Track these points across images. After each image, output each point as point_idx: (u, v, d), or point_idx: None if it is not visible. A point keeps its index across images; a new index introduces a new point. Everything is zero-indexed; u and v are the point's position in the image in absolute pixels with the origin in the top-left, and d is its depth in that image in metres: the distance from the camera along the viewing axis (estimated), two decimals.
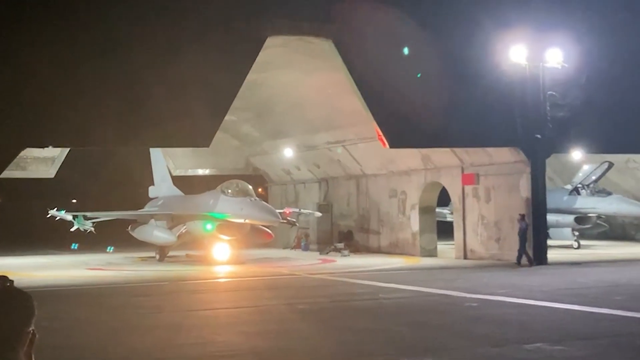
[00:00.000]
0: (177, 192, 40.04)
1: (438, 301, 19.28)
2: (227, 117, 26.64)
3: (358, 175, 39.84)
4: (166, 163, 42.24)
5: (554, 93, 28.86)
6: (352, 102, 28.56)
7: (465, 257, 32.70)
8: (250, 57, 25.38)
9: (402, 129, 27.69)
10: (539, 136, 28.93)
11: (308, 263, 32.87)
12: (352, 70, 26.84)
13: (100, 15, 24.16)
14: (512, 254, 30.02)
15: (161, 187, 40.78)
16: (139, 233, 35.57)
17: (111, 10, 24.17)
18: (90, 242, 38.91)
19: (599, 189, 39.38)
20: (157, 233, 34.23)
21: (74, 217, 35.37)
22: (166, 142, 30.22)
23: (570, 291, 20.42)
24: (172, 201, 37.96)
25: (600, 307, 17.00)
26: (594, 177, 39.19)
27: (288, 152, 41.47)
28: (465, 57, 28.26)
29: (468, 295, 19.71)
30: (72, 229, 35.88)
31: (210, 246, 33.39)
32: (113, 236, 39.22)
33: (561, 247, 38.02)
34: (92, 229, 36.22)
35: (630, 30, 30.58)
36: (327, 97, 33.03)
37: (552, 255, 30.19)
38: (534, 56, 28.46)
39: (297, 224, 37.39)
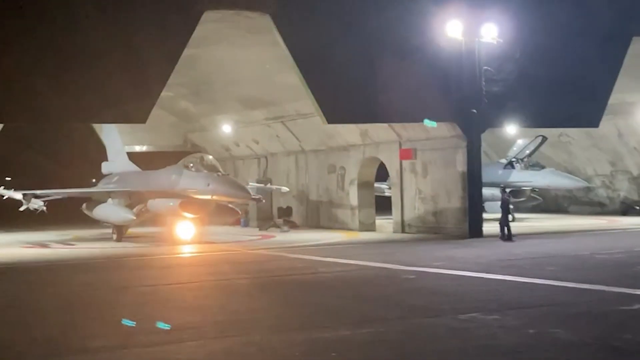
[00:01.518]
0: (134, 167, 37.66)
1: (376, 274, 19.52)
2: (163, 93, 26.34)
3: (297, 151, 39.88)
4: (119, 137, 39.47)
5: (489, 68, 29.26)
6: (291, 78, 28.51)
7: (403, 231, 33.13)
8: (187, 31, 25.10)
9: (340, 104, 27.79)
10: (474, 111, 29.34)
11: (247, 239, 32.86)
12: (290, 46, 26.76)
13: None
14: (448, 228, 30.55)
15: (116, 163, 38.40)
16: (94, 212, 33.61)
17: None
18: (38, 221, 37.83)
19: (532, 163, 40.23)
20: (114, 211, 32.37)
21: (24, 195, 33.12)
22: (102, 118, 29.77)
23: (504, 262, 20.87)
24: (129, 177, 35.72)
25: (534, 277, 17.43)
26: (527, 151, 40.01)
27: (226, 129, 41.26)
28: (402, 32, 28.41)
29: (405, 268, 20.01)
30: (21, 209, 33.75)
31: (173, 224, 31.58)
32: (65, 215, 38.12)
33: (496, 220, 38.71)
34: (44, 208, 34.05)
35: (563, 5, 31.10)
36: (266, 73, 32.90)
37: (487, 228, 30.75)
38: (470, 31, 28.78)
39: (263, 201, 35.39)
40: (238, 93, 37.28)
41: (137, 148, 46.25)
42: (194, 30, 25.17)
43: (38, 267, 24.29)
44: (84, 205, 35.12)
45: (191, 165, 30.18)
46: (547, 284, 16.47)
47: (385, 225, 35.67)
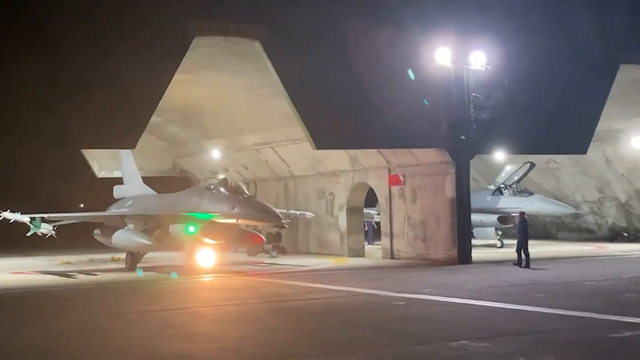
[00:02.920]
0: (149, 190, 35.76)
1: (366, 300, 19.46)
2: (153, 119, 26.32)
3: (286, 176, 39.88)
4: (132, 161, 37.31)
5: (477, 95, 29.43)
6: (281, 104, 28.58)
7: (392, 257, 33.08)
8: (177, 57, 25.14)
9: (329, 130, 27.86)
10: (463, 137, 29.47)
11: (237, 264, 32.69)
12: (279, 72, 26.85)
13: (22, 12, 23.55)
14: (437, 254, 30.54)
15: (130, 186, 36.66)
16: (113, 237, 30.61)
17: (34, 6, 23.58)
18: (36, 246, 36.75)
19: (521, 189, 40.33)
20: (130, 237, 29.70)
21: (31, 219, 31.24)
22: (91, 144, 29.80)
23: (494, 289, 20.87)
24: (145, 201, 33.71)
25: (523, 304, 17.43)
26: (516, 178, 40.13)
27: (216, 154, 41.26)
28: (391, 59, 28.57)
29: (395, 295, 19.96)
30: (28, 234, 31.76)
31: (192, 251, 29.36)
32: (72, 240, 36.71)
33: (485, 246, 38.80)
34: (53, 232, 31.99)
35: (551, 33, 31.39)
36: (256, 99, 32.98)
37: (476, 254, 30.80)
38: (459, 59, 28.98)
39: (286, 226, 32.59)
40: (227, 118, 37.34)
41: None
42: (184, 55, 25.22)
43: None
44: (96, 231, 32.85)
45: (212, 187, 28.36)
46: (537, 311, 16.46)
47: (374, 251, 35.61)
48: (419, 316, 16.34)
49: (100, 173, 46.09)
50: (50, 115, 23.82)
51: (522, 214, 28.80)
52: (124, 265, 30.91)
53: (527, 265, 27.16)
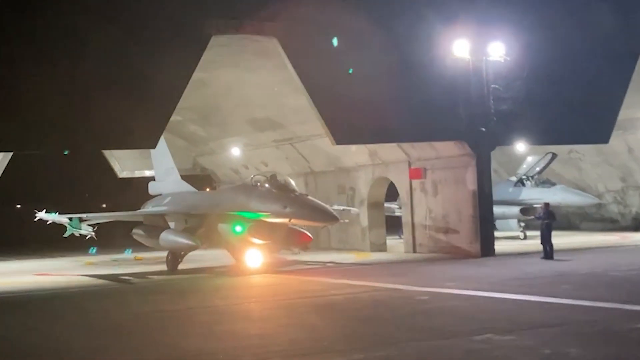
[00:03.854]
0: (188, 187, 34.29)
1: (389, 295, 19.42)
2: (172, 118, 26.43)
3: (306, 172, 39.88)
4: (169, 155, 35.74)
5: (497, 86, 29.25)
6: (299, 100, 28.58)
7: (414, 251, 33.00)
8: (195, 56, 25.20)
9: (348, 125, 27.80)
10: (483, 129, 29.31)
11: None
12: (297, 68, 26.83)
13: (43, 14, 23.69)
14: (460, 247, 30.42)
15: (166, 183, 34.80)
16: (148, 237, 29.97)
17: (55, 8, 23.71)
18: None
19: (543, 180, 40.08)
20: (174, 237, 28.31)
21: (70, 219, 30.72)
22: (112, 145, 29.89)
23: (518, 281, 20.75)
24: (184, 198, 32.13)
25: (548, 296, 17.31)
26: (537, 169, 39.88)
27: (235, 151, 41.35)
28: (409, 52, 28.47)
29: (418, 289, 19.90)
30: (65, 235, 31.36)
31: (239, 251, 28.22)
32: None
33: (508, 238, 38.61)
34: (93, 234, 31.62)
35: (570, 23, 31.14)
36: (274, 95, 33.00)
37: (499, 246, 30.63)
38: (477, 50, 28.82)
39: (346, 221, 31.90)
40: (246, 116, 37.39)
41: (147, 173, 46.38)
42: (202, 54, 25.28)
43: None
44: (137, 230, 31.07)
45: (260, 184, 27.24)
46: (562, 303, 16.35)
47: (396, 246, 35.54)
48: (442, 310, 16.28)
49: (122, 173, 46.34)
50: (70, 117, 23.95)
51: (547, 205, 28.56)
52: (164, 267, 29.39)
53: (551, 257, 26.96)
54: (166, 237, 28.48)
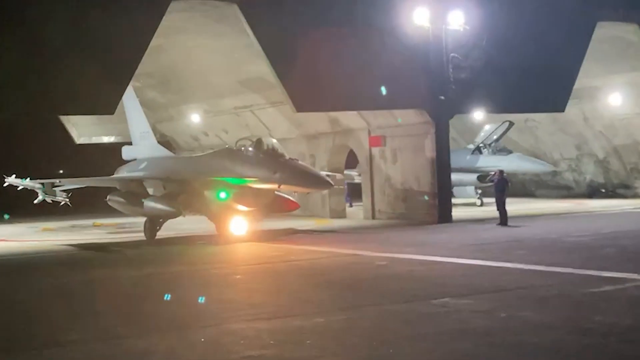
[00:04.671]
0: (165, 152, 33.05)
1: (349, 261, 19.66)
2: (131, 83, 26.21)
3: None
4: (144, 117, 34.00)
5: (456, 55, 29.48)
6: (260, 67, 28.49)
7: (373, 218, 33.33)
8: (154, 21, 24.96)
9: (309, 93, 27.83)
10: (442, 97, 29.59)
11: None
12: (258, 35, 26.73)
13: None
14: (418, 213, 30.79)
15: (141, 147, 33.02)
16: (125, 204, 28.38)
17: None
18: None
19: (500, 148, 40.63)
20: (154, 204, 26.71)
21: (42, 185, 29.60)
22: (69, 110, 29.55)
23: (474, 247, 21.13)
24: (162, 163, 30.58)
25: (504, 261, 17.69)
26: (495, 137, 40.39)
27: (195, 118, 41.12)
28: (370, 20, 28.50)
29: (378, 255, 20.18)
30: (35, 201, 30.33)
31: (222, 218, 26.75)
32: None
33: (465, 205, 39.15)
34: (67, 200, 30.71)
35: None
36: (234, 62, 32.82)
37: (456, 213, 31.07)
38: (437, 19, 28.98)
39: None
40: (206, 82, 37.15)
41: (105, 139, 46.00)
42: (161, 20, 25.05)
43: None
44: (109, 196, 29.09)
45: (248, 148, 25.77)
46: (517, 268, 16.72)
47: (356, 212, 35.82)
48: (401, 275, 16.56)
49: (79, 139, 45.85)
50: (27, 82, 23.64)
51: (501, 172, 28.96)
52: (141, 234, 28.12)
53: (505, 223, 27.40)
54: (146, 203, 27.09)
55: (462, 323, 11.35)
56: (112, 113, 25.90)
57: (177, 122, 43.79)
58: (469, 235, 25.25)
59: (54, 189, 30.42)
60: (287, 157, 25.30)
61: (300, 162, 26.25)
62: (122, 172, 32.50)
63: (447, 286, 14.63)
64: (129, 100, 33.02)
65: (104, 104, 25.27)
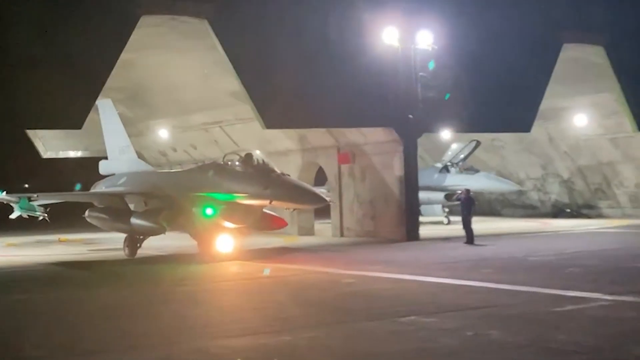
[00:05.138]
0: (146, 166, 32.13)
1: (317, 278, 19.68)
2: (99, 98, 26.08)
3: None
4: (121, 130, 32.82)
5: (424, 74, 29.75)
6: (229, 83, 28.52)
7: (341, 235, 33.38)
8: (124, 36, 24.91)
9: (278, 109, 27.89)
10: (410, 116, 29.81)
11: (186, 245, 32.52)
12: (228, 51, 26.77)
13: None
14: (386, 231, 30.91)
15: (120, 162, 31.94)
16: (104, 220, 27.43)
17: None
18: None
19: (467, 167, 40.96)
20: (136, 220, 25.72)
21: (17, 200, 28.84)
22: (36, 124, 29.28)
23: (441, 265, 21.26)
24: (144, 178, 29.46)
25: (470, 280, 17.81)
26: (462, 156, 40.72)
27: (163, 134, 40.97)
28: (339, 38, 28.67)
29: (345, 272, 20.22)
30: (12, 216, 29.69)
31: (207, 236, 25.62)
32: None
33: (433, 223, 39.37)
34: (45, 215, 30.11)
35: (496, 13, 31.85)
36: (204, 78, 32.81)
37: (424, 231, 31.24)
38: (406, 38, 29.24)
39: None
40: (175, 98, 37.06)
41: (72, 154, 45.61)
42: (130, 34, 25.00)
43: None
44: (88, 212, 28.14)
45: (236, 163, 24.77)
46: (483, 286, 16.85)
47: (324, 229, 35.88)
48: (368, 293, 16.61)
49: (46, 154, 45.43)
50: None
51: (467, 191, 29.19)
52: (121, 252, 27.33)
53: (471, 242, 27.60)
54: (130, 220, 26.09)
55: (429, 342, 11.41)
56: (79, 127, 25.73)
57: (145, 138, 43.57)
58: (436, 253, 25.40)
59: (31, 203, 29.74)
60: (279, 172, 24.24)
61: (291, 177, 25.30)
62: (100, 187, 31.50)
63: (414, 304, 14.70)
64: (107, 113, 32.57)
65: (72, 118, 25.10)
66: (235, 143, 38.59)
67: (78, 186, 35.03)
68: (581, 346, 10.82)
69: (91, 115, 25.85)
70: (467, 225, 27.90)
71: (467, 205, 28.18)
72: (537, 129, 35.81)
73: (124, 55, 25.34)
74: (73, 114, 24.93)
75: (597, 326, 12.22)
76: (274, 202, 23.83)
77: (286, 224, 27.99)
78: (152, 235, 26.43)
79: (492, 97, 31.57)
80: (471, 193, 29.19)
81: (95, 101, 25.38)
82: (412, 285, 17.64)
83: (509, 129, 36.03)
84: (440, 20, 29.73)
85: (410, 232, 30.05)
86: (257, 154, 25.29)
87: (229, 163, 24.98)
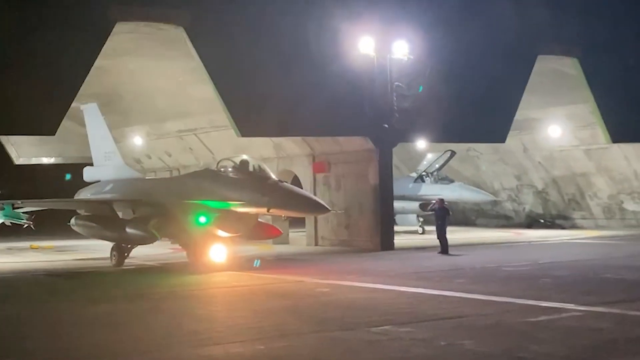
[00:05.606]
0: (133, 173, 31.28)
1: (291, 288, 19.59)
2: (74, 104, 25.88)
3: (210, 163, 39.55)
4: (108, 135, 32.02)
5: (400, 84, 29.85)
6: (205, 90, 28.42)
7: (316, 244, 33.33)
8: (98, 42, 24.77)
9: (254, 117, 27.87)
10: (386, 126, 29.89)
11: (159, 252, 32.32)
12: (204, 58, 26.70)
13: None
14: (360, 240, 30.92)
15: (105, 168, 30.93)
16: (91, 228, 26.54)
17: None
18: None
19: (442, 177, 41.13)
20: (123, 228, 24.85)
21: (1, 207, 28.07)
22: (9, 130, 29.02)
23: (415, 275, 21.27)
24: (132, 185, 28.55)
25: (444, 290, 17.82)
26: (437, 165, 40.90)
27: (138, 141, 40.74)
28: (316, 47, 28.70)
29: (320, 281, 20.18)
30: None
31: (198, 245, 24.48)
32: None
33: (407, 233, 39.44)
34: (31, 223, 29.52)
35: (472, 24, 32.05)
36: (179, 85, 32.71)
37: (398, 240, 31.28)
38: (382, 48, 29.34)
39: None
40: (150, 105, 36.90)
41: (45, 160, 45.22)
42: (105, 41, 24.86)
43: None
44: (74, 219, 27.34)
45: (229, 169, 23.74)
46: (457, 296, 16.85)
47: (299, 239, 35.80)
48: (342, 302, 16.55)
49: (19, 160, 45.00)
50: None
51: (442, 200, 29.28)
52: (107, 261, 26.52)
53: (445, 252, 27.65)
54: (118, 228, 25.34)
55: (402, 351, 11.38)
56: (53, 134, 25.53)
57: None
58: (410, 263, 25.41)
59: (15, 210, 29.17)
60: (276, 178, 23.25)
61: (289, 184, 24.38)
62: (85, 195, 30.50)
63: (387, 314, 14.67)
64: (92, 117, 31.72)
65: (45, 124, 24.91)
66: (210, 150, 38.49)
67: (68, 176, 34.01)
68: (555, 357, 10.84)
69: (65, 121, 25.65)
70: (441, 235, 27.95)
71: (441, 215, 28.23)
72: (512, 139, 36.05)
73: (99, 62, 25.19)
74: (47, 120, 24.75)
75: (571, 336, 12.25)
76: (271, 210, 22.80)
77: (280, 233, 27.12)
78: (142, 244, 25.48)
79: (467, 107, 31.73)
80: (445, 203, 29.28)
81: (69, 107, 25.15)
82: (386, 295, 17.61)
83: (483, 139, 36.25)
84: (416, 31, 29.87)
85: (385, 242, 30.08)
86: (253, 160, 24.04)
87: (222, 170, 23.89)
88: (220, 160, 24.55)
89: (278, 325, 13.90)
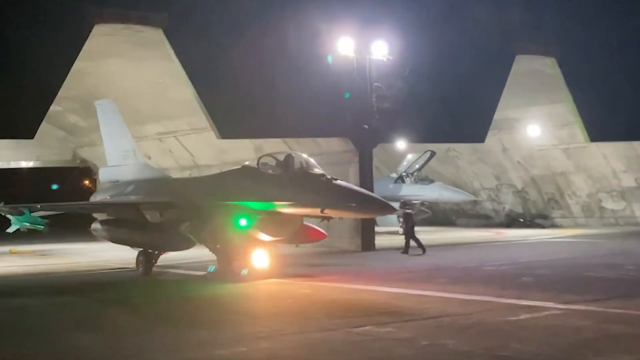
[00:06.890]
0: (159, 173, 28.69)
1: (273, 289, 19.56)
2: (52, 107, 25.72)
3: (190, 166, 39.53)
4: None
5: (379, 85, 29.90)
6: (184, 92, 28.33)
7: (297, 245, 33.19)
8: (77, 45, 24.64)
9: (234, 119, 27.83)
10: (366, 127, 29.91)
11: (132, 256, 31.55)
12: (183, 60, 26.63)
13: None
14: (341, 241, 30.90)
15: (125, 167, 28.28)
16: (115, 232, 24.41)
17: None
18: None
19: (422, 177, 41.25)
20: (154, 232, 23.33)
21: (21, 212, 26.86)
22: None
23: (396, 275, 21.31)
24: (159, 185, 26.18)
25: (425, 290, 17.86)
26: (417, 166, 41.02)
27: None
28: (295, 48, 28.71)
29: (301, 282, 20.18)
30: (10, 230, 28.16)
31: (235, 251, 22.35)
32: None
33: (388, 233, 39.49)
34: (45, 227, 28.77)
35: (451, 24, 32.19)
36: (158, 87, 32.57)
37: (379, 241, 31.32)
38: (361, 49, 29.37)
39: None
40: (130, 107, 36.64)
41: (23, 164, 44.88)
42: (84, 43, 24.74)
43: None
44: (94, 224, 25.19)
45: (273, 165, 21.32)
46: (438, 296, 16.90)
47: None
48: (324, 303, 16.54)
49: None
50: None
51: (404, 204, 29.64)
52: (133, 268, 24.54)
53: (406, 252, 27.71)
54: (148, 232, 23.46)
55: (384, 351, 11.39)
56: (32, 137, 25.37)
57: (99, 147, 42.95)
58: (391, 263, 25.46)
59: (33, 215, 28.19)
60: (329, 176, 20.20)
61: (343, 182, 20.84)
62: (103, 197, 28.11)
63: (369, 314, 14.68)
64: (107, 114, 29.42)
65: (24, 127, 24.75)
66: (189, 153, 38.39)
67: (54, 186, 32.84)
68: (536, 355, 10.89)
69: (43, 124, 25.48)
70: (411, 236, 28.00)
71: (406, 219, 28.47)
72: (491, 139, 36.22)
73: (77, 64, 25.06)
74: (25, 124, 24.57)
75: (552, 335, 12.31)
76: (326, 211, 19.92)
77: (325, 236, 24.06)
78: (175, 250, 23.68)
79: (447, 108, 31.86)
80: (409, 210, 29.47)
81: (47, 110, 24.97)
82: (367, 295, 17.63)
83: (463, 139, 36.42)
84: (396, 31, 29.93)
85: (366, 242, 30.10)
86: (299, 155, 21.32)
87: (269, 165, 21.42)
88: (261, 157, 22.12)
89: (259, 327, 13.86)
